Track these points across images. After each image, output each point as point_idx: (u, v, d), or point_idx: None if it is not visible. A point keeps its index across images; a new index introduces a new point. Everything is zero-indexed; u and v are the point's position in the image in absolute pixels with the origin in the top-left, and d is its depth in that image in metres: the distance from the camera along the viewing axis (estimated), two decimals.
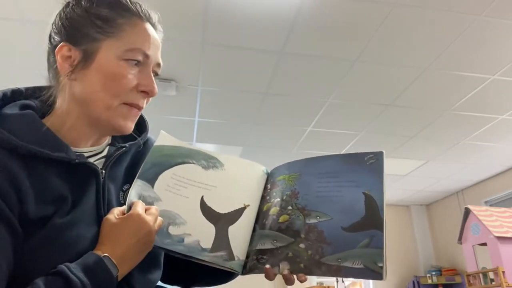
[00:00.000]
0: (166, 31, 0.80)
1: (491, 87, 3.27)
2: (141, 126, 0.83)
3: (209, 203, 0.76)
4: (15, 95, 0.73)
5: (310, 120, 3.84)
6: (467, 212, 3.69)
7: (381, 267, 0.61)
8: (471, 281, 3.73)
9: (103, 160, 0.75)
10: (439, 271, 5.86)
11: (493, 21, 2.56)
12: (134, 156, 0.81)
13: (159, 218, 0.70)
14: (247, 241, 0.74)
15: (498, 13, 2.49)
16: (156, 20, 0.75)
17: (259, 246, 0.72)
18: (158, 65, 0.74)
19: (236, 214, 0.76)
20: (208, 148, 4.62)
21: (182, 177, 0.78)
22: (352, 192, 0.70)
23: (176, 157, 0.80)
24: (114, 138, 0.81)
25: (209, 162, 0.81)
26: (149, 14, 0.73)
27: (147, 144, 0.84)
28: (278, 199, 0.77)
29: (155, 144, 0.80)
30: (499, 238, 3.34)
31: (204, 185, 0.78)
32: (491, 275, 3.49)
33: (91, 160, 0.73)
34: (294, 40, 2.73)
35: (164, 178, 0.77)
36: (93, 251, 0.63)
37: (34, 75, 3.04)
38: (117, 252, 0.63)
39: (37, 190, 0.62)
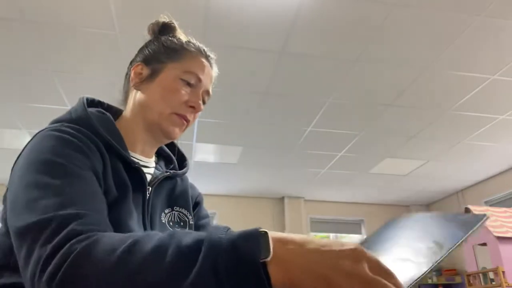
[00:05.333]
0: None
1: (491, 87, 3.27)
2: (181, 160, 0.98)
3: None
4: (97, 103, 0.88)
5: (310, 120, 3.84)
6: (467, 212, 3.68)
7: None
8: (471, 281, 3.73)
9: (149, 176, 0.84)
10: (439, 271, 5.86)
11: (493, 21, 2.56)
12: (174, 185, 0.90)
13: None
14: None
15: (498, 13, 2.49)
16: (213, 60, 0.91)
17: None
18: (208, 93, 0.88)
19: None
20: (207, 148, 4.62)
21: None
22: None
23: None
24: (158, 164, 0.91)
25: None
26: (208, 54, 0.89)
27: (185, 179, 0.95)
28: None
29: None
30: (499, 238, 3.34)
31: None
32: (491, 275, 3.49)
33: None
34: (294, 40, 2.73)
35: None
36: None
37: (34, 74, 3.05)
38: (291, 246, 0.46)
39: (112, 169, 0.72)
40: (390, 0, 2.39)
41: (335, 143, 4.35)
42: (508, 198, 5.18)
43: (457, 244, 0.52)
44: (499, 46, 2.81)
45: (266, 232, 0.46)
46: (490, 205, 5.28)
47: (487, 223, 3.45)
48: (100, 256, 0.47)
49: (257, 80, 3.19)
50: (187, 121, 0.84)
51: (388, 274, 0.45)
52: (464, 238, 0.54)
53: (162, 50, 0.86)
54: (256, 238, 0.45)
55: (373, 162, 4.85)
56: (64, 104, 3.43)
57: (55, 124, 0.72)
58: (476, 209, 3.62)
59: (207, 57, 0.89)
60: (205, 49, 0.89)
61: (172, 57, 0.85)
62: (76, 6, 2.44)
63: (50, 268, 0.48)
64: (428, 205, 6.65)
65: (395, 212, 6.52)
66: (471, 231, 0.54)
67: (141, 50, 0.90)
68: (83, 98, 0.81)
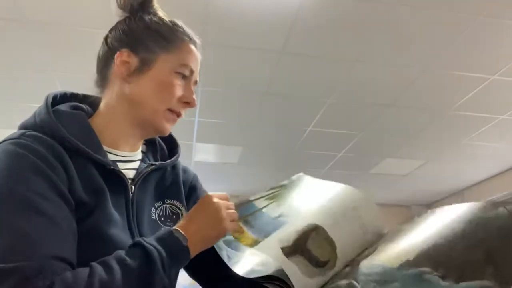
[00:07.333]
0: None
1: (491, 87, 3.27)
2: (172, 147, 0.92)
3: None
4: (72, 97, 0.83)
5: (310, 120, 3.83)
6: None
7: None
8: None
9: (133, 171, 0.79)
10: None
11: (493, 21, 2.56)
12: (163, 176, 0.85)
13: (232, 210, 0.75)
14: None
15: (498, 13, 2.49)
16: (199, 45, 0.83)
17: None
18: (196, 82, 0.83)
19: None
20: (208, 148, 4.62)
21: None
22: None
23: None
24: (145, 154, 0.86)
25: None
26: (195, 39, 0.83)
27: (176, 166, 0.90)
28: None
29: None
30: None
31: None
32: None
33: (124, 166, 0.77)
34: (294, 40, 2.73)
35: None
36: None
37: (34, 74, 3.05)
38: (189, 227, 0.69)
39: (81, 178, 0.67)
40: (390, 0, 2.39)
41: (335, 143, 4.34)
42: (508, 198, 5.18)
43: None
44: (499, 46, 2.80)
45: (177, 229, 0.68)
46: None
47: None
48: None
49: (257, 80, 3.19)
50: (180, 116, 0.81)
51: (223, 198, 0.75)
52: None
53: (150, 37, 0.78)
54: (178, 234, 0.67)
55: (373, 162, 4.85)
56: None
57: (18, 133, 0.67)
58: None
59: (195, 43, 0.82)
60: (192, 33, 0.83)
61: (164, 47, 0.77)
62: (76, 6, 2.44)
63: None
64: (428, 205, 6.65)
65: (395, 212, 6.51)
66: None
67: (121, 30, 0.81)
68: (47, 97, 0.75)
